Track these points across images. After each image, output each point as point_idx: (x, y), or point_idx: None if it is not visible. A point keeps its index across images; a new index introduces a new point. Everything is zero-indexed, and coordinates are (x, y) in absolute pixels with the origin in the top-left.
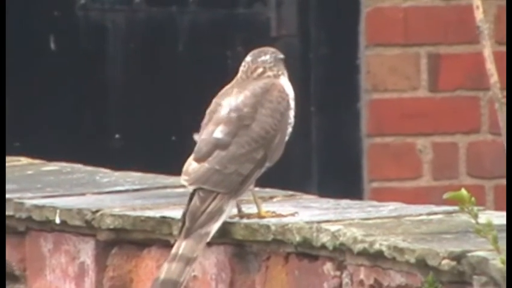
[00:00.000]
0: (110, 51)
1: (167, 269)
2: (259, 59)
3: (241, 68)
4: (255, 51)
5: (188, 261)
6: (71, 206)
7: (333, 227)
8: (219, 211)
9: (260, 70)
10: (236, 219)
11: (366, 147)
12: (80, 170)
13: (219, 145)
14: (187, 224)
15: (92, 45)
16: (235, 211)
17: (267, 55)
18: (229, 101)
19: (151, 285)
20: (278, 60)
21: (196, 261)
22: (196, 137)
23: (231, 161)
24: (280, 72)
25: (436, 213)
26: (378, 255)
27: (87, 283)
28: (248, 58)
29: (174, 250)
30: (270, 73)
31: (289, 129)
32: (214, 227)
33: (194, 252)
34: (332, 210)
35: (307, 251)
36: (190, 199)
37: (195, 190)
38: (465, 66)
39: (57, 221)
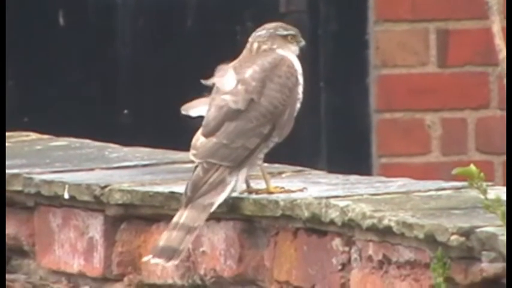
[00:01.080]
0: (119, 27)
1: (167, 237)
2: (256, 34)
3: (247, 44)
4: (259, 28)
5: (189, 230)
6: (80, 181)
7: (342, 203)
8: (222, 182)
9: (256, 45)
10: (245, 194)
11: (375, 122)
12: (88, 145)
13: (227, 117)
14: (188, 193)
15: (101, 21)
16: (244, 186)
17: (263, 30)
18: (237, 74)
19: (151, 251)
20: (274, 35)
21: (197, 230)
22: (184, 111)
23: (239, 136)
24: (274, 47)
25: (444, 189)
26: (387, 231)
27: (96, 258)
28: (252, 33)
29: (175, 219)
30: (264, 46)
31: (298, 105)
32: (218, 199)
33: (195, 221)
34: (341, 186)
35: (316, 227)
36: (195, 170)
37: (200, 162)
38: (474, 41)
39: (66, 196)
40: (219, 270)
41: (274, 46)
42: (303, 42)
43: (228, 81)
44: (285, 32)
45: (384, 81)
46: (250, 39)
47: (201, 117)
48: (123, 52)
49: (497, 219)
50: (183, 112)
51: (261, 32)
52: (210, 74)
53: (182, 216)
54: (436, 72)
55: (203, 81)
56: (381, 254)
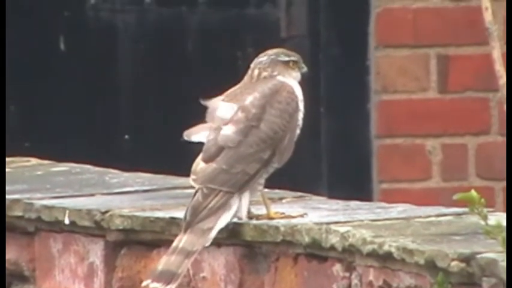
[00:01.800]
0: (120, 52)
1: (166, 261)
2: (258, 60)
3: (248, 70)
4: (261, 54)
5: (187, 254)
6: (81, 207)
7: (342, 228)
8: (222, 208)
9: (256, 72)
10: (245, 220)
11: (376, 148)
12: (89, 170)
13: (227, 144)
14: (188, 218)
15: (102, 45)
16: (244, 211)
17: (264, 56)
18: (237, 101)
19: (149, 275)
20: (276, 61)
21: (195, 255)
22: (186, 137)
23: (239, 161)
24: (275, 73)
25: (445, 215)
26: (387, 257)
27: (96, 284)
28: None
29: (174, 244)
30: (265, 73)
31: (298, 131)
32: (217, 224)
33: (194, 246)
34: (341, 211)
35: (317, 252)
36: (194, 195)
37: (199, 187)
38: (475, 67)
39: (67, 221)
40: None
41: (275, 73)
42: (305, 69)
43: (222, 114)
44: (287, 58)
45: (384, 107)
46: (251, 66)
47: (202, 143)
48: (124, 77)
49: (498, 245)
50: (185, 138)
51: (262, 58)
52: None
53: (181, 240)
54: (437, 97)
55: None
56: (381, 279)
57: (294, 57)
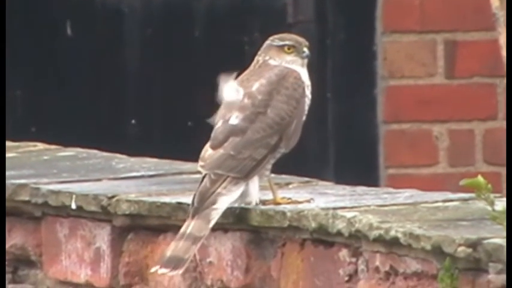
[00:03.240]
0: (127, 37)
1: (174, 247)
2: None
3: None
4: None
5: (195, 240)
6: (87, 192)
7: (349, 214)
8: (229, 193)
9: (256, 58)
10: (252, 205)
11: (382, 133)
12: (95, 155)
13: (234, 131)
14: (195, 204)
15: (108, 30)
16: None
17: (267, 41)
18: (244, 88)
19: (158, 261)
20: (268, 46)
21: (203, 240)
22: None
23: (246, 147)
24: (267, 58)
25: (452, 200)
26: (394, 242)
27: (102, 268)
28: None
29: (182, 229)
30: (259, 58)
31: (304, 118)
32: (223, 207)
33: (202, 231)
34: (348, 197)
35: (323, 238)
36: (202, 181)
37: (207, 173)
38: (482, 53)
39: (73, 206)
40: (226, 281)
41: (267, 57)
42: (306, 53)
43: (229, 92)
44: (281, 43)
45: (391, 92)
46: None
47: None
48: (130, 62)
49: (505, 231)
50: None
51: (265, 44)
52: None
53: (189, 226)
54: (444, 83)
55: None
56: (387, 265)
57: (290, 41)
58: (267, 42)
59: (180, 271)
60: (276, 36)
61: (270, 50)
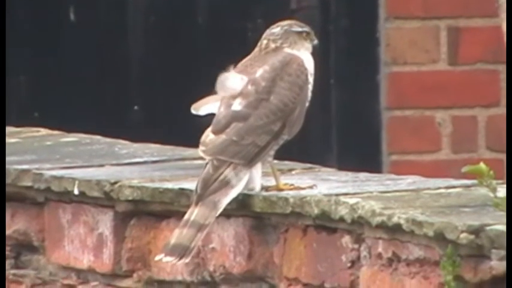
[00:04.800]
0: (130, 23)
1: (178, 234)
2: (269, 31)
3: (259, 42)
4: (274, 25)
5: (200, 227)
6: (90, 177)
7: (352, 200)
8: (233, 180)
9: (265, 42)
10: (255, 191)
11: (385, 120)
12: (98, 141)
13: (237, 117)
14: (199, 190)
15: (111, 17)
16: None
17: (278, 27)
18: (247, 74)
19: (162, 249)
20: (289, 32)
21: (208, 228)
22: (194, 111)
23: (249, 132)
24: (285, 45)
25: (454, 187)
26: (396, 229)
27: (105, 254)
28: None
29: (186, 216)
30: (272, 45)
31: (307, 104)
32: (228, 196)
33: (206, 219)
34: (350, 183)
35: (326, 224)
36: (205, 168)
37: (210, 159)
38: (485, 39)
39: (76, 192)
40: (229, 267)
41: (285, 44)
42: (316, 41)
43: (232, 85)
44: (300, 29)
45: (394, 79)
46: (262, 37)
47: (211, 115)
48: (133, 48)
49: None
50: (193, 112)
51: (275, 29)
52: (220, 71)
53: (193, 213)
54: (447, 69)
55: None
56: (390, 251)
57: (307, 28)
58: (284, 27)
59: (187, 260)
60: (288, 22)
61: (289, 36)
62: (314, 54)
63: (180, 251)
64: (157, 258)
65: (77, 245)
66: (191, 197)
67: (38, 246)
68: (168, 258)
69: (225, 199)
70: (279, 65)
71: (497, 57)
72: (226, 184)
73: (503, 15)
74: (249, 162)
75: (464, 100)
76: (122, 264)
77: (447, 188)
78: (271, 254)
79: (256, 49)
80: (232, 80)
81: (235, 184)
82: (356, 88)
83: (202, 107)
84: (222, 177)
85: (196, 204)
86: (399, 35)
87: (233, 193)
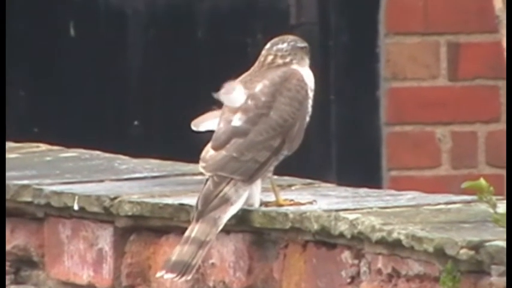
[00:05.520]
0: (130, 38)
1: (179, 251)
2: (275, 47)
3: (259, 57)
4: (275, 40)
5: (201, 244)
6: (90, 193)
7: (351, 216)
8: (233, 196)
9: (271, 58)
10: (254, 207)
11: (385, 135)
12: (98, 156)
13: (237, 133)
14: (199, 207)
15: (111, 31)
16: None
17: (284, 43)
18: (247, 89)
19: (163, 265)
20: (296, 48)
21: (210, 245)
22: (194, 127)
23: (249, 148)
24: (294, 61)
25: (454, 203)
26: (396, 244)
27: (105, 269)
28: (266, 46)
29: (187, 233)
30: (280, 61)
31: (307, 119)
32: (229, 212)
33: (207, 235)
34: (350, 199)
35: (325, 239)
36: (205, 184)
37: (210, 175)
38: (485, 55)
39: (76, 207)
40: (228, 282)
41: (295, 60)
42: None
43: (236, 97)
44: (303, 44)
45: (394, 94)
46: (263, 52)
47: (211, 132)
48: (133, 63)
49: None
50: (193, 128)
51: (282, 45)
52: (219, 88)
53: (194, 230)
54: (447, 85)
55: (214, 95)
56: (390, 267)
57: (306, 43)
58: (291, 43)
59: (188, 277)
60: (291, 37)
61: (297, 52)
62: (314, 69)
63: (181, 267)
64: (158, 275)
65: (76, 261)
66: (191, 213)
67: (37, 262)
68: (170, 275)
69: (226, 215)
70: (278, 80)
71: (497, 73)
72: (226, 201)
73: (503, 31)
74: (249, 179)
75: (464, 116)
76: (121, 280)
77: (447, 203)
78: (270, 269)
79: (256, 64)
80: (238, 92)
81: (236, 200)
82: (356, 103)
83: (202, 124)
84: (222, 193)
85: (197, 220)
86: (399, 51)
87: (233, 209)
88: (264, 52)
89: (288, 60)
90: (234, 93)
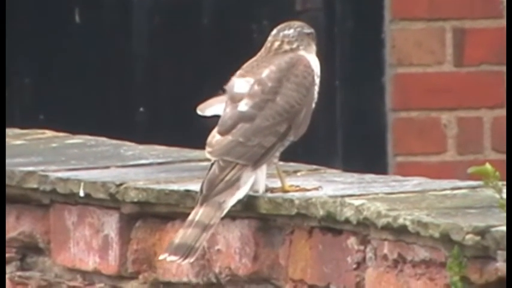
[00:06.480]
0: (135, 25)
1: (182, 234)
2: (282, 33)
3: (266, 43)
4: (281, 26)
5: (204, 227)
6: (95, 179)
7: (357, 202)
8: (238, 181)
9: (277, 44)
10: (260, 193)
11: (391, 121)
12: (104, 143)
13: (243, 118)
14: (204, 191)
15: (117, 19)
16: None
17: (291, 29)
18: (253, 74)
19: (166, 249)
20: (303, 34)
21: (213, 228)
22: (200, 112)
23: (255, 134)
24: (301, 47)
25: (460, 188)
26: (402, 230)
27: (111, 256)
28: (272, 32)
29: (190, 217)
30: (287, 47)
31: (313, 106)
32: (234, 197)
33: (211, 219)
34: (356, 185)
35: (331, 225)
36: (210, 168)
37: (215, 160)
38: (490, 40)
39: (81, 194)
40: (234, 269)
41: (302, 46)
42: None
43: (239, 89)
44: (309, 30)
45: (399, 80)
46: (270, 38)
47: (217, 116)
48: (138, 50)
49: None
50: (199, 113)
51: (289, 31)
52: (224, 75)
53: (198, 214)
54: (452, 71)
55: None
56: (396, 253)
57: (312, 29)
58: (297, 29)
59: (191, 259)
60: (298, 23)
61: (304, 38)
62: (319, 56)
63: (184, 250)
64: (161, 257)
65: (82, 247)
66: (196, 198)
67: (43, 248)
68: (172, 258)
69: (231, 200)
70: (285, 66)
71: (503, 58)
72: (231, 185)
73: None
74: (255, 164)
75: (469, 101)
76: (127, 266)
77: (453, 189)
78: (276, 255)
79: (263, 50)
80: (238, 85)
81: (241, 185)
82: (361, 90)
83: (207, 108)
84: (227, 178)
85: (201, 204)
86: (404, 37)
87: (239, 194)
88: (270, 38)
89: (294, 46)
90: (235, 87)
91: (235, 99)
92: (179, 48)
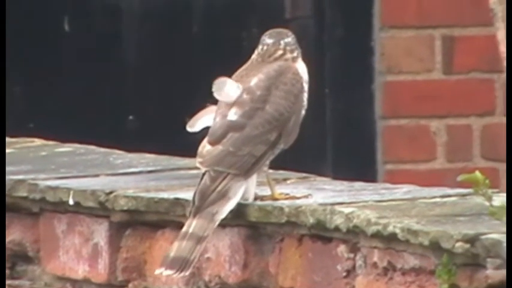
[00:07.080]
0: (125, 33)
1: (177, 247)
2: (283, 41)
3: (258, 50)
4: (273, 33)
5: (199, 239)
6: (85, 187)
7: (347, 209)
8: (230, 191)
9: (280, 52)
10: (250, 201)
11: (380, 129)
12: (93, 151)
13: (233, 127)
14: (196, 202)
15: (106, 26)
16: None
17: (288, 37)
18: (242, 83)
19: (161, 262)
20: (296, 40)
21: (207, 240)
22: (190, 129)
23: (245, 143)
24: (300, 55)
25: (450, 196)
26: (392, 238)
27: (100, 264)
28: (268, 40)
29: (184, 229)
30: (288, 55)
31: (303, 113)
32: (226, 207)
33: (205, 231)
34: (346, 192)
35: (321, 233)
36: (202, 179)
37: (206, 170)
38: (480, 48)
39: (71, 202)
40: (224, 277)
41: (300, 52)
42: None
43: (229, 91)
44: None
45: (389, 88)
46: (269, 47)
47: (207, 128)
48: (128, 58)
49: (503, 226)
50: (189, 129)
51: (287, 39)
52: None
53: (191, 226)
54: (442, 78)
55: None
56: (385, 260)
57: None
58: (293, 37)
59: (187, 272)
60: (284, 30)
61: (297, 44)
62: (309, 63)
63: (180, 263)
64: (157, 272)
65: (72, 256)
66: (187, 208)
67: (33, 257)
68: (169, 272)
69: (223, 210)
70: (274, 74)
71: (492, 66)
72: (223, 195)
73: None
74: (246, 173)
75: (459, 109)
76: (117, 274)
77: (442, 197)
78: (266, 263)
79: (254, 57)
80: (230, 86)
81: (233, 195)
82: (351, 97)
83: (196, 123)
84: (219, 188)
85: (194, 216)
86: (394, 44)
87: (231, 204)
88: (269, 47)
89: (295, 54)
90: (226, 88)
91: (223, 99)
92: (169, 56)
